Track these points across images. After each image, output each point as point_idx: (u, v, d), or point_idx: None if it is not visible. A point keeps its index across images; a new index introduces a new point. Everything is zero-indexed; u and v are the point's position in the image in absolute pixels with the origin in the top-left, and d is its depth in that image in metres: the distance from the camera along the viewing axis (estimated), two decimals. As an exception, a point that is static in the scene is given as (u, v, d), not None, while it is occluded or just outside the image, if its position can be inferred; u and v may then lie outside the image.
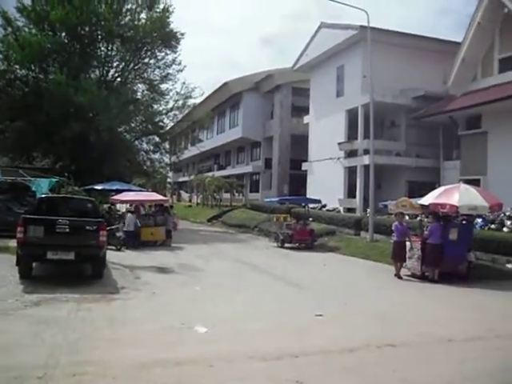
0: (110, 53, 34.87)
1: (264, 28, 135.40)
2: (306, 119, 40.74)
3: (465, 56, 29.56)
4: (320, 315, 9.67)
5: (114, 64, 35.59)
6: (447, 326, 9.12)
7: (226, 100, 52.66)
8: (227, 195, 49.52)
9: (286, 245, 23.09)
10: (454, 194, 14.26)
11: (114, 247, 19.63)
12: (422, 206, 15.16)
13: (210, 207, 47.41)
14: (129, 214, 22.16)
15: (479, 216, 20.03)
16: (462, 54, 29.61)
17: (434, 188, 17.82)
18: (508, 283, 13.94)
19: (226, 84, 49.91)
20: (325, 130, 36.16)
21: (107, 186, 27.39)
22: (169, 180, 66.96)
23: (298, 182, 42.01)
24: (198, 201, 54.48)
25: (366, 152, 27.98)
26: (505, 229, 19.91)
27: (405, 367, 6.76)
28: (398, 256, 15.15)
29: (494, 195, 15.90)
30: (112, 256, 16.53)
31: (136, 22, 34.01)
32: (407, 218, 19.88)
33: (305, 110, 41.47)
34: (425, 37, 33.28)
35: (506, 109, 26.10)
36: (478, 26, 28.69)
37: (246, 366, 6.71)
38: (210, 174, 53.22)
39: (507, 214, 21.17)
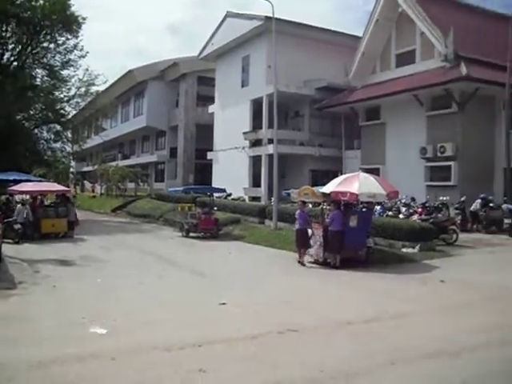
0: (4, 34, 32.85)
1: (171, 15, 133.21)
2: (211, 108, 40.58)
3: (365, 50, 30.76)
4: (224, 303, 9.68)
5: (10, 47, 33.60)
6: (347, 309, 9.43)
7: (131, 88, 51.31)
8: (132, 185, 48.54)
9: (191, 234, 22.95)
10: (353, 183, 14.71)
11: (11, 240, 18.69)
12: (324, 194, 15.53)
13: (115, 197, 46.19)
14: (18, 206, 21.17)
15: (378, 203, 20.93)
16: (362, 49, 30.79)
17: (336, 176, 18.37)
18: (403, 266, 14.60)
19: (130, 72, 48.65)
20: (230, 120, 36.26)
21: (3, 177, 26.04)
22: (72, 170, 64.64)
23: (203, 172, 41.93)
24: (103, 191, 53.03)
25: (271, 141, 28.34)
26: (401, 215, 20.97)
27: (305, 351, 6.91)
28: (301, 243, 15.43)
29: (390, 183, 16.61)
30: (9, 249, 15.67)
31: (34, 3, 32.19)
32: (310, 206, 20.39)
33: (210, 100, 41.31)
34: (328, 30, 34.09)
35: (402, 101, 27.47)
36: (376, 22, 29.95)
37: (149, 358, 6.59)
38: (114, 163, 51.81)
39: (403, 201, 22.30)
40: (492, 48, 26.57)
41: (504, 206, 21.40)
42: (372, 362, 6.43)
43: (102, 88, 39.63)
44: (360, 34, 31.64)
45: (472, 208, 22.48)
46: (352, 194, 14.35)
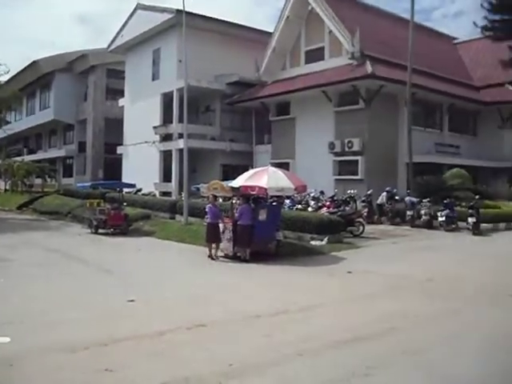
0: None
1: (80, 5, 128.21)
2: (121, 102, 39.57)
3: (275, 46, 31.11)
4: (132, 300, 9.38)
5: None
6: (256, 302, 9.42)
7: (37, 80, 48.81)
8: (39, 181, 46.38)
9: (100, 231, 22.19)
10: (262, 177, 14.77)
11: None
12: (233, 188, 15.50)
13: (20, 194, 43.89)
14: None
15: (288, 197, 21.23)
16: (273, 44, 31.12)
17: (247, 171, 18.40)
18: (312, 259, 14.83)
19: (35, 63, 46.35)
20: (140, 114, 35.48)
21: None
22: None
23: (113, 167, 40.73)
24: (7, 187, 50.29)
25: (181, 136, 28.02)
26: (310, 209, 21.39)
27: (214, 346, 6.79)
28: (212, 237, 15.31)
29: (298, 177, 16.86)
30: None
31: None
32: (221, 200, 20.32)
33: (120, 93, 40.24)
34: (239, 25, 34.19)
35: (311, 97, 28.06)
36: (286, 19, 30.38)
37: (53, 360, 6.22)
38: (19, 158, 49.31)
39: (312, 195, 22.76)
40: (395, 49, 27.69)
41: (407, 199, 22.36)
42: (280, 354, 6.43)
43: (4, 78, 37.73)
44: (272, 30, 31.90)
45: (378, 201, 23.32)
46: (261, 188, 14.39)
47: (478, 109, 32.20)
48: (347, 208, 20.41)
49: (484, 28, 29.65)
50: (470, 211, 20.21)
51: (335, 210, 19.61)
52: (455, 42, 39.18)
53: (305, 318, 8.32)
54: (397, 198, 23.35)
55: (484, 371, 5.82)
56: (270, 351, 6.56)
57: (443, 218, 20.72)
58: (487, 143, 31.64)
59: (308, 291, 10.42)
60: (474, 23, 30.16)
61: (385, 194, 23.26)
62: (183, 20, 22.94)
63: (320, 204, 21.58)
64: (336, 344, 6.79)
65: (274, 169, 16.10)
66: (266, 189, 14.39)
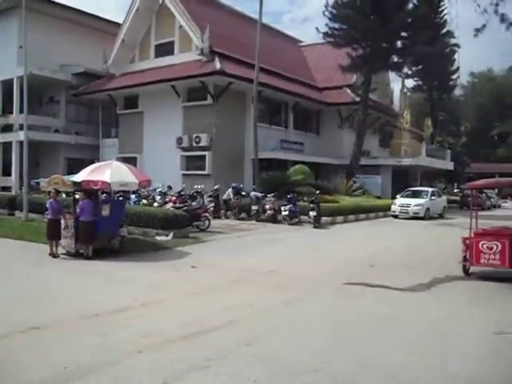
0: None
1: None
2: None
3: (124, 38, 30.40)
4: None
5: None
6: (96, 300, 9.07)
7: None
8: None
9: None
10: (105, 171, 14.33)
11: None
12: (75, 183, 14.90)
13: None
14: None
15: (134, 192, 20.87)
16: (122, 36, 30.37)
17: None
18: (157, 254, 14.68)
19: None
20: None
21: None
22: None
23: None
24: None
25: (22, 127, 26.34)
26: (155, 204, 21.20)
27: (48, 349, 6.41)
28: (52, 234, 14.58)
29: (143, 172, 16.68)
30: None
31: None
32: (64, 195, 19.45)
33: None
34: (87, 13, 32.91)
35: (160, 91, 27.82)
36: (137, 11, 29.77)
37: None
38: None
39: (159, 190, 22.60)
40: (245, 47, 28.38)
41: (252, 194, 23.06)
42: (118, 353, 6.26)
43: None
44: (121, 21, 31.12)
45: (224, 196, 23.72)
46: (104, 182, 13.97)
47: (320, 109, 34.22)
48: (194, 203, 20.54)
49: (325, 34, 31.48)
50: (311, 205, 21.37)
51: (181, 204, 19.65)
52: (301, 44, 41.19)
53: (146, 313, 8.18)
54: (243, 193, 23.93)
55: (324, 356, 6.02)
56: (108, 350, 6.35)
57: (286, 212, 21.68)
58: (328, 141, 33.78)
59: (151, 287, 10.29)
60: (317, 29, 32.00)
61: (231, 189, 23.72)
62: (23, 3, 21.50)
63: (167, 199, 21.48)
64: (178, 339, 6.71)
65: (117, 163, 15.69)
66: (109, 183, 14.00)
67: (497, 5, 13.40)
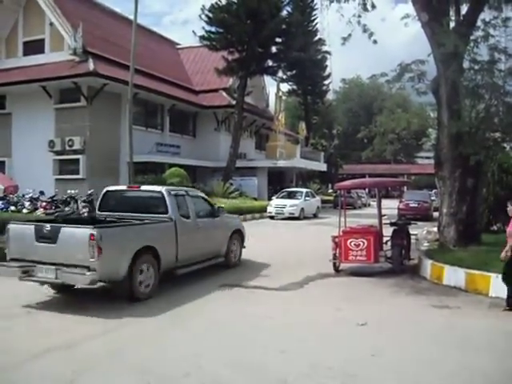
0: None
1: None
2: None
3: (-13, 34, 28.62)
4: None
5: None
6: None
7: None
8: None
9: None
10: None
11: None
12: None
13: None
14: None
15: (1, 198, 19.79)
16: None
17: None
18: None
19: None
20: None
21: None
22: None
23: None
24: None
25: None
26: (24, 210, 20.18)
27: None
28: None
29: (8, 177, 15.98)
30: None
31: None
32: None
33: None
34: None
35: (30, 92, 26.55)
36: (1, 4, 28.10)
37: None
38: None
39: (30, 195, 21.56)
40: (121, 48, 27.92)
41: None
42: None
43: None
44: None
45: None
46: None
47: (196, 111, 34.53)
48: (67, 208, 19.91)
49: (202, 37, 31.76)
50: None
51: (53, 210, 19.00)
52: (178, 47, 41.23)
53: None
54: None
55: (194, 360, 6.01)
56: None
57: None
58: (205, 144, 34.15)
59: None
60: (193, 32, 32.07)
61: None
62: None
63: (38, 205, 20.59)
64: (39, 353, 6.45)
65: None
66: (-30, 190, 13.29)
67: (359, 16, 14.35)
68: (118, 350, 6.43)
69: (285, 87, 49.79)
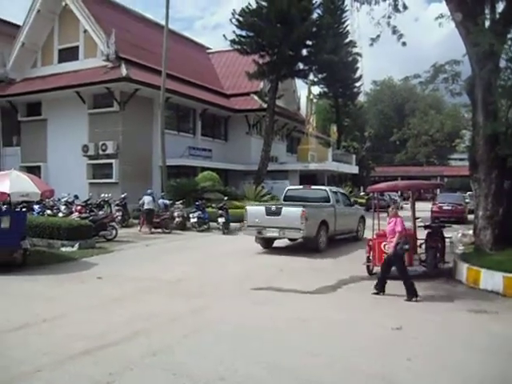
0: None
1: None
2: None
3: (25, 41, 29.28)
4: None
5: None
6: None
7: None
8: None
9: None
10: (4, 182, 13.81)
11: None
12: (-31, 195, 14.23)
13: None
14: None
15: (38, 203, 20.17)
16: (22, 39, 29.23)
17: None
18: (62, 266, 14.25)
19: None
20: None
21: None
22: None
23: None
24: None
25: None
26: (60, 214, 20.56)
27: None
28: None
29: (44, 182, 16.22)
30: None
31: None
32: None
33: None
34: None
35: (64, 98, 27.06)
36: (38, 13, 28.73)
37: None
38: None
39: (65, 199, 21.96)
40: (152, 54, 28.29)
41: (160, 201, 22.80)
42: (16, 373, 6.04)
43: None
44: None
45: (146, 206, 21.23)
46: (3, 193, 13.48)
47: (228, 115, 34.60)
48: (101, 212, 20.18)
49: (232, 41, 31.85)
50: (220, 212, 21.54)
51: (87, 214, 19.26)
52: (209, 51, 41.45)
53: (47, 329, 7.91)
54: (166, 201, 23.27)
55: (230, 363, 6.06)
56: (3, 372, 6.13)
57: (195, 219, 21.75)
58: (237, 147, 34.19)
59: (54, 300, 10.01)
60: (224, 36, 32.24)
61: (149, 197, 21.64)
62: None
63: (72, 209, 20.92)
64: (80, 354, 6.47)
65: (17, 173, 15.17)
66: (8, 194, 13.53)
67: (389, 17, 14.26)
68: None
69: (316, 90, 49.64)
